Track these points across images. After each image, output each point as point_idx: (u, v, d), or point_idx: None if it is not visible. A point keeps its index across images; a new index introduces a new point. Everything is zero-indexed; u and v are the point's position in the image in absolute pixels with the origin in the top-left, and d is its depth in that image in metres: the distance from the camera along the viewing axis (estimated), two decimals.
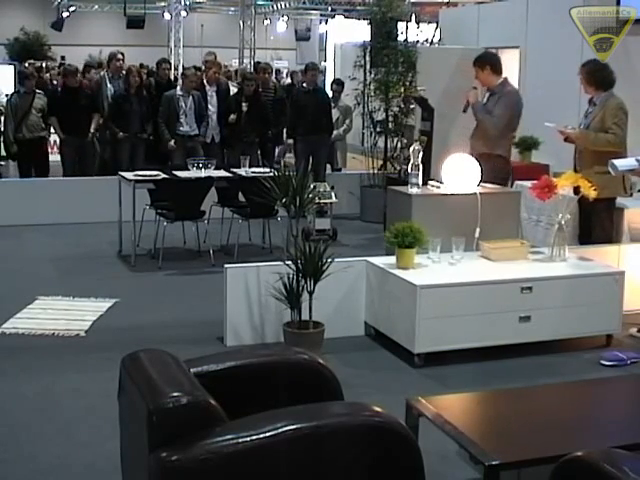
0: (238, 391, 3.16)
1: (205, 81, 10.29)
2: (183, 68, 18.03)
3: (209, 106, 10.07)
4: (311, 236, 8.03)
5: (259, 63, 16.09)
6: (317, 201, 8.10)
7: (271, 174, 6.15)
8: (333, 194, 8.45)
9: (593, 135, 6.39)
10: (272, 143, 10.83)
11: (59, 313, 6.27)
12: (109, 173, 9.38)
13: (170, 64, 11.69)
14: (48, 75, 16.75)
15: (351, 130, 11.39)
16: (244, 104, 9.88)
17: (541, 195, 5.80)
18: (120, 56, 10.64)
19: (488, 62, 6.95)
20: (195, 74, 10.22)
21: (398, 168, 9.90)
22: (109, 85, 10.37)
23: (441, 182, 6.68)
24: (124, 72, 10.70)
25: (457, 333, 5.31)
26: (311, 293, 5.26)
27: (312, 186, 5.76)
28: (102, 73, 10.79)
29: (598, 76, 6.49)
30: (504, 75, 7.02)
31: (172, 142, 9.66)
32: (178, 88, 9.95)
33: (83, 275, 7.42)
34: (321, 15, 28.89)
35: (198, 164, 8.03)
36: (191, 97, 9.76)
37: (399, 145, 10.22)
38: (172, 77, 12.46)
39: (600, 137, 6.34)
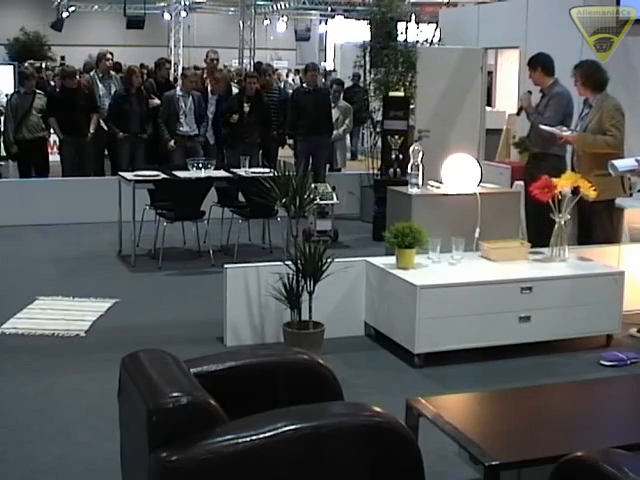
0: (238, 391, 3.16)
1: (209, 89, 10.30)
2: (183, 68, 18.05)
3: (207, 112, 10.09)
4: (312, 237, 8.02)
5: (260, 63, 16.10)
6: (318, 202, 8.10)
7: (271, 174, 6.15)
8: (334, 195, 8.44)
9: (591, 137, 6.39)
10: (276, 144, 10.83)
11: (59, 313, 6.27)
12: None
13: (170, 64, 11.68)
14: (45, 76, 16.71)
15: (351, 130, 11.39)
16: (246, 104, 9.88)
17: (541, 195, 5.80)
18: (109, 56, 10.64)
19: (540, 63, 6.96)
20: (195, 74, 10.21)
21: (383, 168, 9.65)
22: (100, 85, 10.38)
23: (441, 182, 6.68)
24: (113, 72, 10.72)
25: (457, 333, 5.31)
26: (311, 293, 5.26)
27: (313, 187, 5.75)
28: (92, 73, 10.79)
29: (594, 78, 6.49)
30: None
31: (172, 142, 9.66)
32: (178, 88, 9.96)
33: (83, 275, 7.42)
34: (321, 15, 28.94)
35: (198, 164, 8.03)
36: (191, 97, 9.75)
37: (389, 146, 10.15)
38: (172, 77, 12.46)
39: (599, 139, 6.34)
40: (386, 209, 6.91)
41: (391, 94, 9.24)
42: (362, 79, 11.07)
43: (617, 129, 6.33)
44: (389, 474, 2.80)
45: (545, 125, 6.64)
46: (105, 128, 10.12)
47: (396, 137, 8.66)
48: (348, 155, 12.46)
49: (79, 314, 6.23)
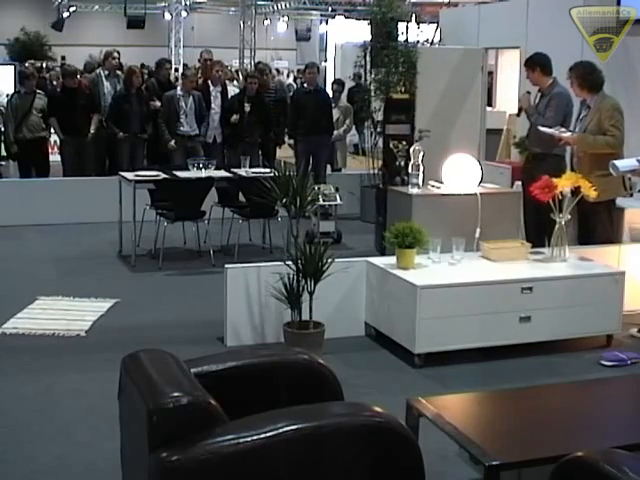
0: (238, 391, 3.16)
1: (210, 81, 10.28)
2: (183, 68, 18.05)
3: (213, 106, 10.03)
4: (315, 239, 7.99)
5: (259, 63, 16.12)
6: (322, 203, 8.07)
7: (271, 174, 6.15)
8: (338, 196, 8.39)
9: (591, 138, 6.38)
10: (273, 144, 10.83)
11: (59, 313, 6.27)
12: (109, 173, 9.38)
13: (171, 64, 11.67)
14: (47, 76, 16.71)
15: (351, 130, 11.38)
16: (246, 104, 9.88)
17: (541, 195, 5.80)
18: (116, 55, 10.65)
19: (538, 63, 6.93)
20: (195, 74, 10.21)
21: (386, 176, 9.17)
22: (105, 83, 10.39)
23: (441, 182, 6.68)
24: (118, 72, 10.72)
25: (457, 333, 5.30)
26: (311, 293, 5.26)
27: (317, 188, 5.73)
28: (97, 71, 10.80)
29: (590, 79, 6.47)
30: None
31: (172, 142, 9.66)
32: (178, 88, 9.96)
33: (83, 275, 7.42)
34: (321, 15, 28.94)
35: (198, 164, 8.03)
36: (191, 97, 9.75)
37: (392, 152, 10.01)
38: (172, 77, 12.46)
39: (599, 139, 6.33)
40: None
41: (394, 96, 9.18)
42: (363, 79, 11.03)
43: (617, 129, 6.31)
44: (389, 474, 2.80)
45: (545, 126, 6.63)
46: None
47: (404, 143, 8.04)
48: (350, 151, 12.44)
49: (79, 314, 6.23)
